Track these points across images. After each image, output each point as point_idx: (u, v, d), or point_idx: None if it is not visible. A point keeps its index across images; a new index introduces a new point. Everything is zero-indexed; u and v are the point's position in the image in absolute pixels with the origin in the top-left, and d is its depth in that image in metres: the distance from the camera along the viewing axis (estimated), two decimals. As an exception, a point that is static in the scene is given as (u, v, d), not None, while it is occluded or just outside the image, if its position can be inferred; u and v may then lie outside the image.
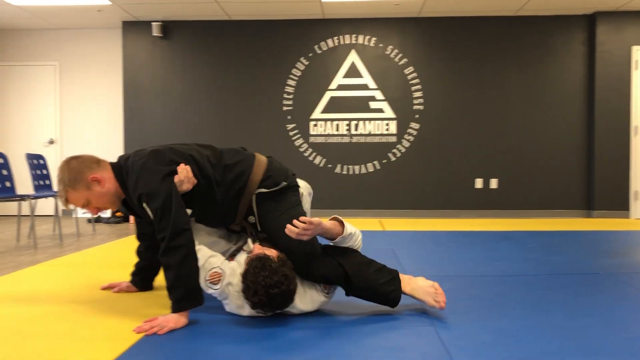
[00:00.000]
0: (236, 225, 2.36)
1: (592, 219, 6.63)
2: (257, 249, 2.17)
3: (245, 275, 2.00)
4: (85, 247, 4.50)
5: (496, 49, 6.90)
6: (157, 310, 2.24)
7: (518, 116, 6.89)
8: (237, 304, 2.16)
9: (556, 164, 6.88)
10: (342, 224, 2.22)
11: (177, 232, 2.01)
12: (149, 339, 1.93)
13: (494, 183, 6.91)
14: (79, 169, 2.14)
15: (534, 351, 1.84)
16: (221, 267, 2.18)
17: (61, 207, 2.32)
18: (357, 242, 2.29)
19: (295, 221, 2.03)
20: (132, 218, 3.22)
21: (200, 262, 2.16)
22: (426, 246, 4.22)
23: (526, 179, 6.90)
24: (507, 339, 1.95)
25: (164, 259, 2.02)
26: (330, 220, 2.20)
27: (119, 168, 2.21)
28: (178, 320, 2.01)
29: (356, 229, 2.30)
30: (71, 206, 2.19)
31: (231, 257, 2.34)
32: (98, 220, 6.48)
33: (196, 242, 2.17)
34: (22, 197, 4.73)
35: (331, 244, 2.25)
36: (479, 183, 6.93)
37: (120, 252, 4.06)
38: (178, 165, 2.13)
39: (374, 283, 2.16)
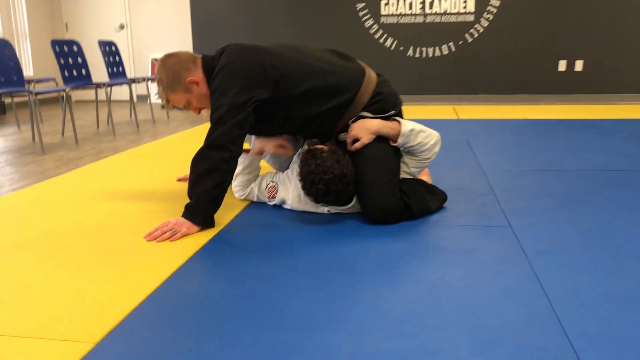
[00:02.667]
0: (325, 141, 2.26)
1: (688, 104, 6.11)
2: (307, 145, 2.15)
3: (300, 171, 1.97)
4: (161, 134, 4.60)
5: None
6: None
7: (611, -10, 6.23)
8: (298, 206, 2.18)
9: (652, 44, 6.29)
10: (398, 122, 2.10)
11: (218, 146, 1.92)
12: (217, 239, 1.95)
13: (579, 65, 6.43)
14: (175, 69, 2.03)
15: (623, 254, 1.73)
16: (273, 179, 2.30)
17: (161, 103, 2.26)
18: (427, 142, 2.11)
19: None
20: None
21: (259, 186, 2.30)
22: (504, 136, 4.02)
23: (615, 60, 6.36)
24: (592, 241, 1.85)
25: (194, 161, 1.95)
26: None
27: (211, 59, 2.07)
28: (191, 226, 1.95)
29: (426, 128, 2.15)
30: (172, 105, 2.13)
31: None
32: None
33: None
34: (98, 85, 4.82)
35: (396, 145, 2.13)
36: (562, 65, 6.46)
37: (195, 141, 4.11)
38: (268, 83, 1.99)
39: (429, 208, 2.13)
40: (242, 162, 2.29)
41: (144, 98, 7.53)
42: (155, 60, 7.15)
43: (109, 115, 5.05)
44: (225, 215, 2.18)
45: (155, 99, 6.94)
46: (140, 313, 1.42)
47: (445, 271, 1.64)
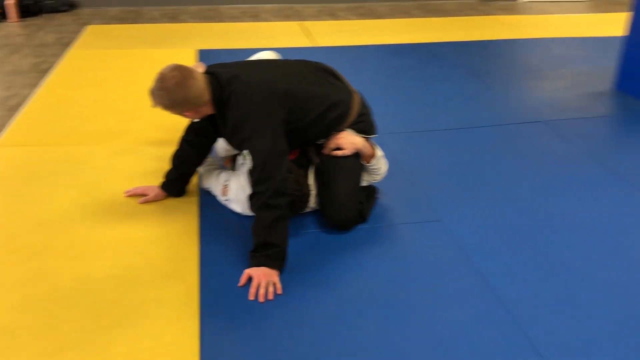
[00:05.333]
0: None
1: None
2: None
3: None
4: None
5: None
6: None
7: None
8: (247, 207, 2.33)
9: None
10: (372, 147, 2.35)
11: (280, 193, 2.02)
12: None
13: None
14: (179, 102, 2.06)
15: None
16: (229, 180, 2.42)
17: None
18: (382, 167, 2.40)
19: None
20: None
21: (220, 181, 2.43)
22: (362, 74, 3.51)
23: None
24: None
25: (260, 210, 2.02)
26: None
27: (220, 91, 2.11)
28: (276, 273, 2.00)
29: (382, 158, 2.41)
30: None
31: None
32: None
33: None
34: None
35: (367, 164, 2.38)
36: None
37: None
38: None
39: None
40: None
41: None
42: None
43: None
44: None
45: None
46: None
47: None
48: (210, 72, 2.15)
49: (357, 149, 2.29)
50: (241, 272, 2.01)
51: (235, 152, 2.49)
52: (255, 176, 2.04)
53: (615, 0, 7.26)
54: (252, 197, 2.06)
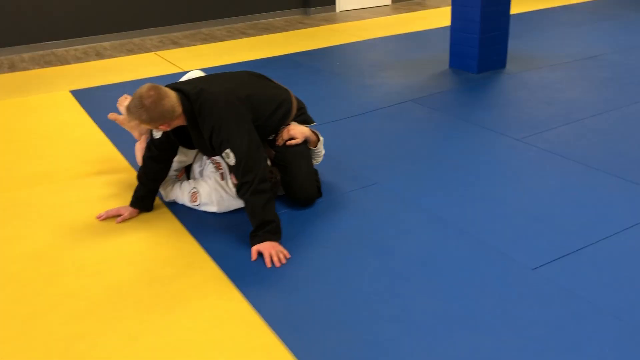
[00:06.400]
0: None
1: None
2: None
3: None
4: None
5: None
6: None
7: None
8: (220, 206, 2.68)
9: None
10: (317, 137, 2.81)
11: (263, 179, 2.39)
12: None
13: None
14: (156, 117, 2.33)
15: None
16: (195, 187, 2.73)
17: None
18: (322, 150, 2.87)
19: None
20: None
21: (185, 190, 2.73)
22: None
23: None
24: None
25: (251, 197, 2.36)
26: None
27: (190, 105, 2.42)
28: (276, 244, 2.37)
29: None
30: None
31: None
32: None
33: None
34: None
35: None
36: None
37: None
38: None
39: None
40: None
41: None
42: None
43: None
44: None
45: None
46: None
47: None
48: (177, 89, 2.46)
49: (306, 137, 2.75)
50: (246, 252, 2.36)
51: (182, 165, 2.84)
52: (241, 169, 2.40)
53: (412, 2, 8.53)
54: (241, 188, 2.42)
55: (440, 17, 7.01)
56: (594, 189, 2.74)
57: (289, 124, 2.74)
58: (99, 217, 2.70)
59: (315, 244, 2.43)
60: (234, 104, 2.47)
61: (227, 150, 2.41)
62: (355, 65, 5.17)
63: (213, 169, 2.73)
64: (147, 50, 6.36)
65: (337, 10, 8.03)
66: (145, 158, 2.67)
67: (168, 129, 2.45)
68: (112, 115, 3.10)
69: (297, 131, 2.71)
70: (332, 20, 7.50)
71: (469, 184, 2.86)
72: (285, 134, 2.70)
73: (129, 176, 3.13)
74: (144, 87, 2.36)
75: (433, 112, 3.88)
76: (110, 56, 6.18)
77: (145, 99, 2.31)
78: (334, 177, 3.00)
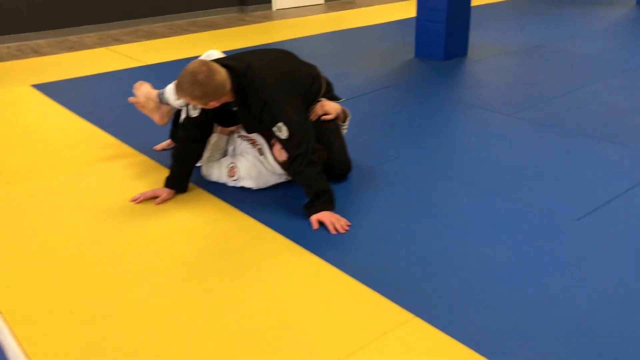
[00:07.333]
0: None
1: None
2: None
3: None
4: None
5: None
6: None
7: None
8: (258, 182, 2.69)
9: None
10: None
11: (314, 150, 2.43)
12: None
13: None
14: (209, 92, 2.30)
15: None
16: (233, 161, 2.72)
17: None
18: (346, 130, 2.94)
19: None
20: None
21: (223, 165, 2.72)
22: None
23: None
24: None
25: (303, 169, 2.40)
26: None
27: (238, 80, 2.39)
28: (333, 213, 2.40)
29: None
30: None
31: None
32: None
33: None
34: None
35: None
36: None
37: None
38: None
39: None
40: (211, 141, 2.71)
41: None
42: None
43: None
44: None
45: None
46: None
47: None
48: (223, 65, 2.45)
49: (338, 113, 2.82)
50: (304, 222, 2.40)
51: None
52: (294, 141, 2.42)
53: (343, 1, 8.76)
54: (294, 160, 2.44)
55: (378, 14, 7.29)
56: (595, 152, 3.03)
57: (320, 100, 2.79)
58: (134, 200, 2.61)
59: (367, 212, 2.50)
60: (282, 79, 2.50)
61: (280, 124, 2.42)
62: (325, 56, 5.25)
63: (249, 146, 2.72)
64: (85, 47, 6.09)
65: (274, 8, 8.09)
66: (181, 137, 2.62)
67: (217, 104, 2.43)
68: (132, 99, 3.00)
69: (331, 107, 2.77)
70: (270, 18, 7.55)
71: (483, 154, 3.06)
72: (319, 109, 2.75)
73: (139, 160, 3.07)
74: (195, 63, 2.33)
75: (418, 94, 4.07)
76: (51, 53, 5.86)
77: (198, 74, 2.29)
78: (353, 154, 3.08)
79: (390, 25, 6.49)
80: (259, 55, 2.67)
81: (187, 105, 2.56)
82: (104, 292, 1.99)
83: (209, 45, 5.76)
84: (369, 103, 3.91)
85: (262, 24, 7.08)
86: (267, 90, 2.44)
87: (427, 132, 3.39)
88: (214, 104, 2.41)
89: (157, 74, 4.58)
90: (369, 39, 5.91)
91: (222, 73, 2.36)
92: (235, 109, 2.55)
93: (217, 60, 2.51)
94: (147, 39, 6.38)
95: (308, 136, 2.45)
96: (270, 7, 8.05)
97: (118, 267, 2.13)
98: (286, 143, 2.45)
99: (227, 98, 2.45)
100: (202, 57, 3.03)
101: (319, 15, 7.61)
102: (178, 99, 2.47)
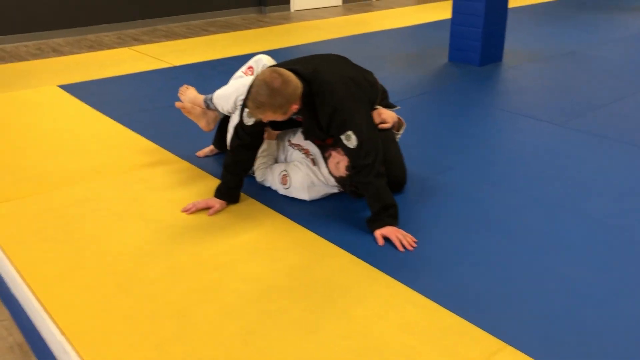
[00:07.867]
0: None
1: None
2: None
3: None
4: None
5: None
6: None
7: None
8: (310, 192, 2.58)
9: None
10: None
11: (381, 161, 2.33)
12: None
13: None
14: (287, 99, 2.20)
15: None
16: (285, 169, 2.61)
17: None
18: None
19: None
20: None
21: (276, 172, 2.62)
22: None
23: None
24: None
25: (372, 180, 2.26)
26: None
27: (307, 83, 2.28)
28: (398, 228, 2.29)
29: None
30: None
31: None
32: None
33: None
34: None
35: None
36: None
37: None
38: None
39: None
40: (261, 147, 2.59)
41: None
42: None
43: None
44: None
45: None
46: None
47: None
48: (289, 69, 2.32)
49: (395, 122, 2.70)
50: (367, 237, 2.28)
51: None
52: (363, 151, 2.30)
53: (362, 3, 8.64)
54: (360, 171, 2.32)
55: (398, 17, 7.16)
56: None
57: (376, 108, 2.68)
58: (186, 211, 2.49)
59: (431, 227, 2.39)
60: (350, 84, 2.39)
61: (349, 132, 2.30)
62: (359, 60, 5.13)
63: (302, 156, 2.61)
64: (104, 47, 5.97)
65: (292, 9, 7.97)
66: (236, 146, 2.50)
67: (296, 110, 2.31)
68: (179, 104, 2.89)
69: (388, 115, 2.66)
70: (289, 19, 7.44)
71: (541, 166, 2.95)
72: (377, 118, 2.64)
73: (182, 167, 2.96)
74: (265, 72, 2.23)
75: (457, 100, 3.96)
76: (71, 52, 5.74)
77: (274, 81, 2.18)
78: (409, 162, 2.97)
79: (412, 29, 6.39)
80: (317, 59, 2.55)
81: (241, 112, 2.44)
82: (171, 313, 1.87)
83: (231, 48, 5.67)
84: (409, 110, 3.79)
85: (282, 25, 6.96)
86: (338, 96, 2.32)
87: (477, 141, 3.28)
88: (290, 112, 2.28)
89: (184, 76, 4.45)
90: (393, 42, 5.80)
91: (293, 78, 2.24)
92: (295, 115, 2.43)
93: (280, 66, 2.39)
94: (167, 39, 6.27)
95: (376, 146, 2.34)
96: (288, 8, 7.94)
97: (182, 284, 2.01)
98: (354, 152, 2.33)
99: (298, 104, 2.32)
100: (251, 63, 2.92)
101: (339, 17, 7.49)
102: (251, 116, 2.33)
